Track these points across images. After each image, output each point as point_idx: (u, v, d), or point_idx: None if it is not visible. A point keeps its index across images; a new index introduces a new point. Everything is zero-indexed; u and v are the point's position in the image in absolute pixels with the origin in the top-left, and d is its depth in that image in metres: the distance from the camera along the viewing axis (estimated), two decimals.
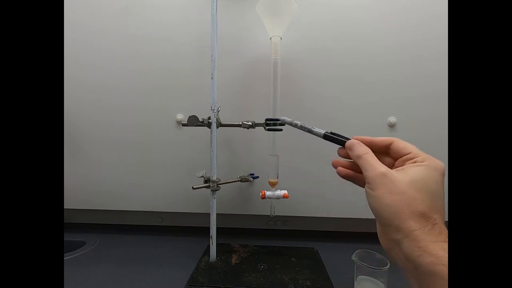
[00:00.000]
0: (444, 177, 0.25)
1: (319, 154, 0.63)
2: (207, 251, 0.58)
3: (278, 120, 0.54)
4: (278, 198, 0.55)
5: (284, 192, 0.55)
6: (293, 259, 0.57)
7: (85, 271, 0.54)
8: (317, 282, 0.49)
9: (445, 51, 0.57)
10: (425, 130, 0.61)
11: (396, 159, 0.28)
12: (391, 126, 0.61)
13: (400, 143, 0.28)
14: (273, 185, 0.56)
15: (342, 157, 0.31)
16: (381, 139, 0.28)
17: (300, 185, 0.63)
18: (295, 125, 0.35)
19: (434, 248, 0.21)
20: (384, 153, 0.29)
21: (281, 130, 0.54)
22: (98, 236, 0.70)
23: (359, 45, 0.60)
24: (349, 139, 0.29)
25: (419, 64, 0.60)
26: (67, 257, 0.60)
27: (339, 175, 0.30)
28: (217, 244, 0.55)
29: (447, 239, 0.22)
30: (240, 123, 0.55)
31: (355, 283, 0.47)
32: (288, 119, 0.36)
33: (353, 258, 0.46)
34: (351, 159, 0.29)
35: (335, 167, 0.30)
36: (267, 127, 0.55)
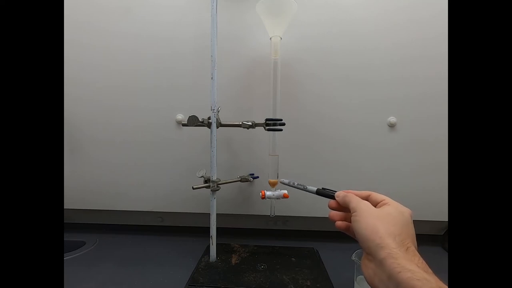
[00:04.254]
0: (412, 219, 0.31)
1: (319, 154, 0.63)
2: (207, 251, 0.58)
3: (278, 120, 0.54)
4: (278, 198, 0.55)
5: (284, 192, 0.55)
6: (293, 259, 0.57)
7: (85, 271, 0.54)
8: (317, 282, 0.49)
9: (445, 51, 0.57)
10: (425, 130, 0.61)
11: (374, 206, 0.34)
12: (391, 126, 0.61)
13: (376, 195, 0.34)
14: (273, 185, 0.56)
15: (332, 209, 0.37)
16: (361, 192, 0.35)
17: None
18: (293, 185, 0.42)
19: (410, 265, 0.25)
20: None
21: (281, 130, 0.54)
22: (98, 236, 0.70)
23: (359, 45, 0.60)
24: (336, 191, 0.37)
25: (419, 64, 0.59)
26: (67, 257, 0.60)
27: (337, 227, 0.36)
28: (217, 244, 0.55)
29: (420, 261, 0.26)
30: (240, 123, 0.55)
31: (355, 283, 0.47)
32: (286, 180, 0.43)
33: (353, 258, 0.46)
34: (339, 210, 0.36)
35: (334, 221, 0.36)
36: (267, 127, 0.55)
